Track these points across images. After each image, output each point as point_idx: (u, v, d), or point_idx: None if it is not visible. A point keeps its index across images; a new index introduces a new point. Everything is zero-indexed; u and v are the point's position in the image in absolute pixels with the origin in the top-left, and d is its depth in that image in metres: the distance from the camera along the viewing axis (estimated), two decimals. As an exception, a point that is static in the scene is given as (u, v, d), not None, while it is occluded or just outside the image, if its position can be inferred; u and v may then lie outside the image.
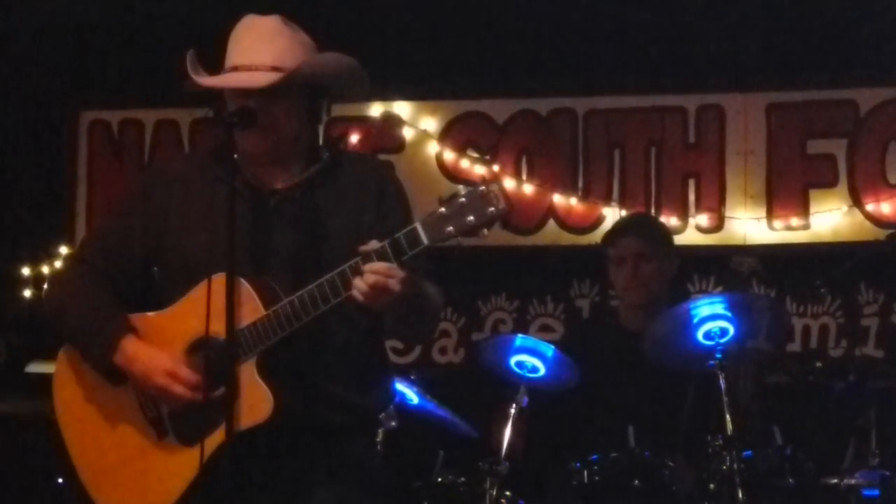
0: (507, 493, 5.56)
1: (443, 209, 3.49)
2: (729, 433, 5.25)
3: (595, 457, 5.41)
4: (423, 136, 7.44)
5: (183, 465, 3.78)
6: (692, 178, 7.21)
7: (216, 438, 3.67)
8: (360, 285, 3.55)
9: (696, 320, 5.39)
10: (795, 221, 7.04)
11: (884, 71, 7.00)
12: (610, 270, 6.08)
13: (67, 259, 4.27)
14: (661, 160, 7.25)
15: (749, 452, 5.33)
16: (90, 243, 4.15)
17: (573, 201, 7.28)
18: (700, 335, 5.40)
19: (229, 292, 3.58)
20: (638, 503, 5.34)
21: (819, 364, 6.21)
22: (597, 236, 7.14)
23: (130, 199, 4.08)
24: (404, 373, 6.17)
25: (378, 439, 5.47)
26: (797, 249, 7.02)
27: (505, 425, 5.59)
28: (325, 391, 3.80)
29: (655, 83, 7.26)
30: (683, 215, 7.14)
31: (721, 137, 7.19)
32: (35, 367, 6.62)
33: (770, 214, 7.08)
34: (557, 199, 7.29)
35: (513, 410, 5.62)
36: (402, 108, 7.46)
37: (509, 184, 7.14)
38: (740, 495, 5.16)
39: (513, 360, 5.69)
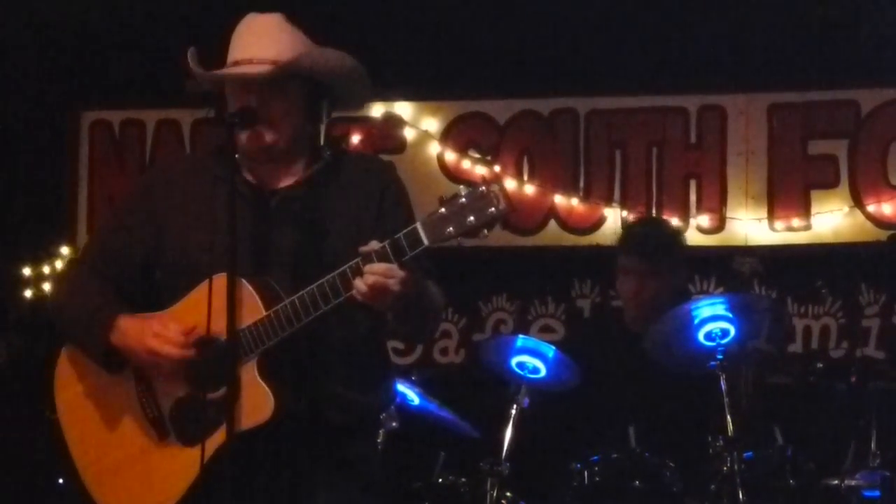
0: (508, 493, 5.57)
1: (443, 209, 3.49)
2: (730, 434, 5.25)
3: (596, 457, 5.42)
4: (425, 136, 7.44)
5: (184, 466, 3.77)
6: (693, 178, 7.21)
7: (217, 439, 3.66)
8: (359, 286, 3.55)
9: (697, 321, 5.40)
10: (797, 222, 7.04)
11: (885, 71, 6.99)
12: (617, 275, 6.07)
13: (70, 262, 4.28)
14: (663, 161, 7.25)
15: (750, 453, 5.34)
16: (92, 246, 4.15)
17: (574, 202, 7.28)
18: (701, 336, 5.40)
19: (230, 292, 3.57)
20: (638, 504, 5.36)
21: (820, 365, 6.21)
22: (598, 237, 7.15)
23: (131, 200, 4.09)
24: (405, 373, 6.18)
25: (379, 440, 5.47)
26: (798, 250, 7.02)
27: (506, 426, 5.59)
28: (327, 391, 3.80)
29: (657, 83, 7.26)
30: (684, 216, 7.14)
31: (722, 138, 7.19)
32: None
33: (771, 215, 7.08)
34: (559, 199, 7.29)
35: (514, 411, 5.62)
36: (403, 109, 7.46)
37: (510, 184, 7.13)
38: (741, 496, 5.17)
39: (514, 361, 5.70)
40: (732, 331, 5.39)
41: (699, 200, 7.18)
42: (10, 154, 7.82)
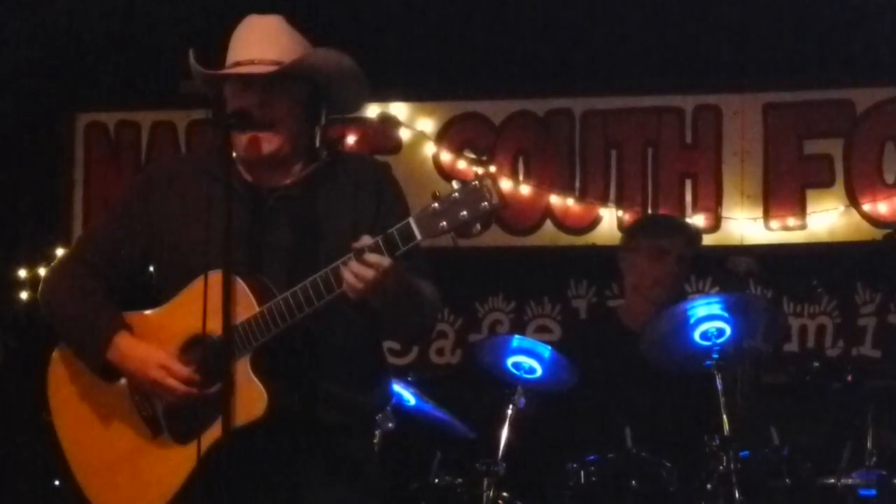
0: (505, 494, 5.56)
1: (436, 205, 3.49)
2: (726, 433, 5.26)
3: (592, 457, 5.42)
4: (420, 136, 7.44)
5: (177, 463, 3.78)
6: (689, 178, 7.21)
7: (211, 436, 3.67)
8: (348, 277, 3.55)
9: (692, 320, 5.41)
10: (792, 221, 7.04)
11: (880, 71, 7.00)
12: (634, 262, 6.06)
13: (64, 256, 4.27)
14: (658, 160, 7.25)
15: (746, 452, 5.35)
16: (87, 241, 4.15)
17: (570, 202, 7.28)
18: (697, 335, 5.41)
19: (225, 289, 3.58)
20: (635, 504, 5.35)
21: (816, 364, 6.21)
22: (594, 237, 7.15)
23: (128, 198, 4.09)
24: (401, 374, 6.17)
25: (375, 440, 5.46)
26: (794, 249, 7.02)
27: (502, 426, 5.59)
28: (323, 390, 3.81)
29: (652, 83, 7.26)
30: (680, 215, 7.13)
31: (718, 137, 7.19)
32: None
33: (767, 214, 7.08)
34: (554, 199, 7.29)
35: (510, 411, 5.62)
36: (398, 109, 7.46)
37: (506, 185, 7.13)
38: (737, 495, 5.17)
39: (510, 361, 5.70)
40: (728, 330, 5.40)
41: (695, 200, 7.18)
42: (6, 156, 7.81)
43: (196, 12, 7.24)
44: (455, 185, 3.50)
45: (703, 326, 5.40)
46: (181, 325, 3.81)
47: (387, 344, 4.15)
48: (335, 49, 3.92)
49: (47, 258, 7.52)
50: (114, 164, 7.80)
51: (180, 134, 7.72)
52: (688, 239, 6.13)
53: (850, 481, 5.47)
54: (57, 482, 6.18)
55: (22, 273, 7.67)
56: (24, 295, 7.64)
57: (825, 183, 7.04)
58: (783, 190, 7.08)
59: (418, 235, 3.52)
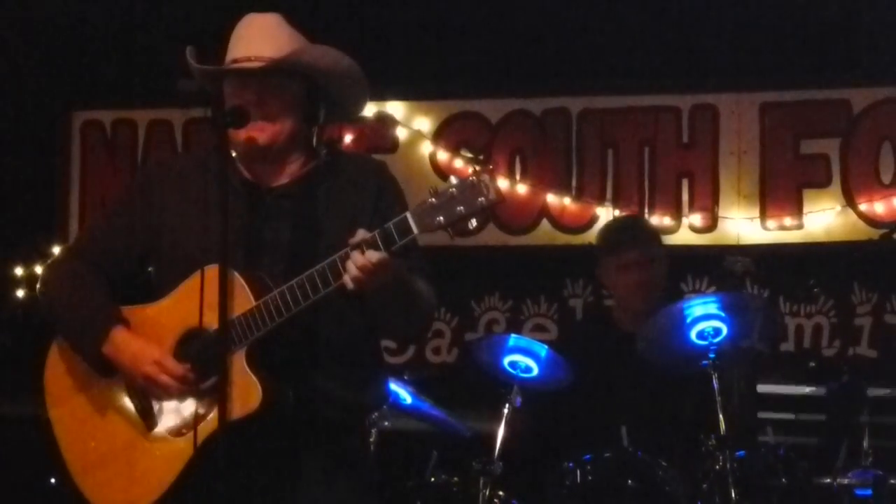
0: (501, 493, 5.55)
1: (433, 199, 3.50)
2: (722, 433, 5.25)
3: (588, 457, 5.41)
4: (417, 136, 7.44)
5: (172, 457, 3.79)
6: (686, 177, 7.21)
7: (205, 429, 3.68)
8: (350, 268, 3.56)
9: (689, 320, 5.40)
10: (789, 221, 7.05)
11: (877, 71, 7.01)
12: (606, 274, 6.07)
13: (63, 251, 4.28)
14: (655, 160, 7.25)
15: (742, 452, 5.34)
16: (86, 237, 4.18)
17: (567, 201, 7.28)
18: (693, 335, 5.40)
19: (222, 283, 3.58)
20: (631, 503, 5.34)
21: (812, 364, 6.20)
22: (591, 236, 7.14)
23: (127, 194, 4.12)
24: (398, 372, 6.17)
25: (371, 439, 5.47)
26: (791, 249, 7.02)
27: (498, 425, 5.59)
28: (319, 387, 3.81)
29: (649, 83, 7.27)
30: (677, 215, 7.15)
31: (715, 137, 7.20)
32: None
33: (763, 214, 7.09)
34: (551, 198, 7.29)
35: (506, 410, 5.61)
36: (395, 108, 7.46)
37: (503, 184, 7.12)
38: (733, 495, 5.17)
39: (506, 360, 5.69)
40: (725, 330, 5.39)
41: (691, 199, 7.19)
42: (2, 154, 7.81)
43: (193, 10, 7.24)
44: (452, 180, 3.51)
45: (700, 326, 5.39)
46: (178, 319, 3.82)
47: (383, 343, 4.15)
48: (333, 48, 3.93)
49: (43, 256, 7.52)
50: (110, 162, 7.80)
51: (177, 132, 7.73)
52: (644, 244, 6.01)
53: (846, 481, 5.47)
54: (53, 480, 6.19)
55: (18, 271, 7.67)
56: (20, 293, 7.64)
57: (822, 182, 7.04)
58: (780, 189, 7.09)
59: (415, 230, 3.52)
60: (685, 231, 7.14)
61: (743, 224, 7.10)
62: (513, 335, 5.92)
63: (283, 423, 3.76)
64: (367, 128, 7.43)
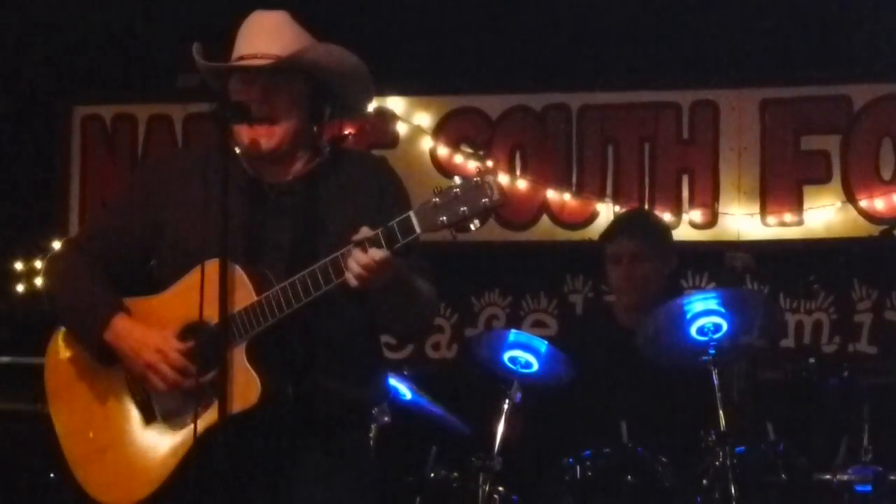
0: (500, 488, 5.56)
1: (437, 199, 3.50)
2: (722, 429, 5.25)
3: (588, 452, 5.41)
4: (417, 131, 7.44)
5: (170, 450, 3.80)
6: (686, 173, 7.21)
7: (205, 422, 3.67)
8: (352, 266, 3.56)
9: (689, 316, 5.40)
10: (789, 217, 7.05)
11: (877, 67, 7.00)
12: (606, 267, 6.08)
13: (65, 244, 4.28)
14: (655, 156, 7.25)
15: (742, 448, 5.33)
16: (88, 231, 4.19)
17: (567, 197, 7.28)
18: (693, 331, 5.40)
19: (222, 277, 3.59)
20: (631, 499, 5.34)
21: (812, 360, 6.20)
22: (590, 232, 7.14)
23: (129, 189, 4.13)
24: (397, 368, 6.18)
25: (371, 434, 5.46)
26: (791, 245, 7.02)
27: (498, 421, 5.59)
28: (318, 383, 3.81)
29: (649, 79, 7.27)
30: (677, 211, 7.15)
31: (715, 133, 7.19)
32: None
33: (764, 210, 7.09)
34: (551, 194, 7.29)
35: (506, 406, 5.61)
36: (395, 104, 7.46)
37: (503, 179, 7.13)
38: (733, 491, 5.17)
39: (506, 356, 5.69)
40: (725, 326, 5.39)
41: (691, 195, 7.18)
42: (2, 148, 7.80)
43: (194, 6, 7.23)
44: (456, 180, 3.50)
45: (700, 322, 5.39)
46: (179, 312, 3.82)
47: (383, 339, 4.15)
48: (339, 46, 3.92)
49: (43, 251, 7.51)
50: (110, 157, 7.80)
51: (177, 127, 7.72)
52: (635, 235, 6.02)
53: (845, 477, 5.46)
54: (53, 475, 6.18)
55: (18, 265, 7.67)
56: (20, 287, 7.64)
57: (822, 179, 7.04)
58: (780, 186, 7.09)
59: (418, 229, 3.52)
60: (685, 227, 7.14)
61: (743, 220, 7.10)
62: (513, 331, 5.92)
63: (282, 419, 3.76)
64: (367, 123, 7.42)
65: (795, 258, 6.97)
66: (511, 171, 7.30)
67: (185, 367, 3.77)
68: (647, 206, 7.15)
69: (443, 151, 7.39)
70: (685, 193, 7.19)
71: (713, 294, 5.52)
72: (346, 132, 7.34)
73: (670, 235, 6.28)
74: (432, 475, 5.81)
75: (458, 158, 7.32)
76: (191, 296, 3.69)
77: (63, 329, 4.05)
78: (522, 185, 7.29)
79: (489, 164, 7.22)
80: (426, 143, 7.42)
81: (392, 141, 7.45)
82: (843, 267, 6.75)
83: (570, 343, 5.85)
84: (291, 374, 3.77)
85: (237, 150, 3.91)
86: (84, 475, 3.95)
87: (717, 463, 5.24)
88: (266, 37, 3.87)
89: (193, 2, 7.27)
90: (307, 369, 3.80)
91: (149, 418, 3.88)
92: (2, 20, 7.65)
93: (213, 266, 3.64)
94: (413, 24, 7.40)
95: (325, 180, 3.93)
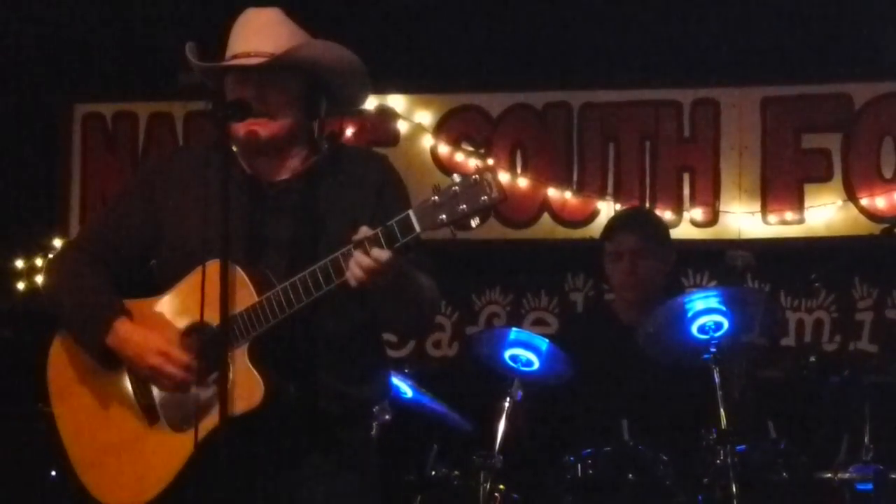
0: (501, 486, 5.55)
1: (436, 197, 3.49)
2: (723, 427, 5.25)
3: (589, 450, 5.41)
4: (418, 129, 7.43)
5: (174, 452, 3.79)
6: (687, 171, 7.21)
7: (208, 424, 3.67)
8: (353, 268, 3.55)
9: (690, 314, 5.40)
10: (790, 216, 7.05)
11: (878, 65, 7.00)
12: (606, 265, 6.09)
13: (65, 246, 4.28)
14: (656, 154, 7.25)
15: (743, 446, 5.33)
16: (88, 232, 4.18)
17: (568, 195, 7.28)
18: (694, 329, 5.40)
19: (223, 278, 3.58)
20: (631, 497, 5.34)
21: (813, 358, 6.19)
22: (591, 230, 7.14)
23: (129, 190, 4.12)
24: (398, 366, 6.17)
25: (372, 432, 5.46)
26: (792, 244, 7.02)
27: (499, 419, 5.59)
28: (320, 382, 3.81)
29: (650, 77, 7.26)
30: (678, 209, 7.15)
31: (716, 131, 7.19)
32: None
33: (764, 209, 7.09)
34: (552, 192, 7.29)
35: (507, 404, 5.61)
36: (396, 101, 7.45)
37: (504, 177, 7.11)
38: (734, 489, 5.16)
39: (507, 354, 5.69)
40: (726, 324, 5.39)
41: (692, 194, 7.18)
42: (3, 146, 7.80)
43: (194, 3, 7.22)
44: (455, 178, 3.50)
45: (701, 320, 5.39)
46: (180, 313, 3.83)
47: (384, 336, 4.15)
48: (333, 42, 3.92)
49: (44, 248, 7.53)
50: (111, 154, 7.79)
51: (178, 125, 7.72)
52: (636, 231, 6.04)
53: (846, 476, 5.45)
54: (54, 473, 6.18)
55: (19, 263, 7.66)
56: (20, 285, 7.64)
57: (823, 177, 7.04)
58: (781, 184, 7.09)
59: (417, 228, 3.52)
60: (686, 225, 7.14)
61: (744, 218, 7.10)
62: (514, 329, 5.92)
63: (285, 419, 3.76)
64: (367, 121, 7.43)
65: (796, 257, 6.97)
66: (512, 169, 7.30)
67: (189, 366, 3.77)
68: (647, 205, 7.15)
69: (443, 149, 7.38)
70: (686, 192, 7.19)
71: (714, 292, 5.52)
72: (347, 130, 7.35)
73: (669, 234, 6.29)
74: (433, 473, 5.81)
75: (459, 156, 7.32)
76: (192, 297, 3.69)
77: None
78: (523, 183, 7.29)
79: (490, 162, 7.19)
80: (427, 141, 7.42)
81: (393, 139, 7.44)
82: (844, 265, 6.76)
83: (570, 341, 5.84)
84: (294, 374, 3.77)
85: (234, 149, 3.90)
86: (88, 477, 3.95)
87: (717, 461, 5.24)
88: (259, 34, 3.87)
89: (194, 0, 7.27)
90: (309, 368, 3.80)
91: (152, 420, 3.88)
92: (2, 18, 7.65)
93: (213, 267, 3.63)
94: (414, 23, 7.39)
95: (324, 178, 3.92)
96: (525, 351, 5.66)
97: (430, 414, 6.08)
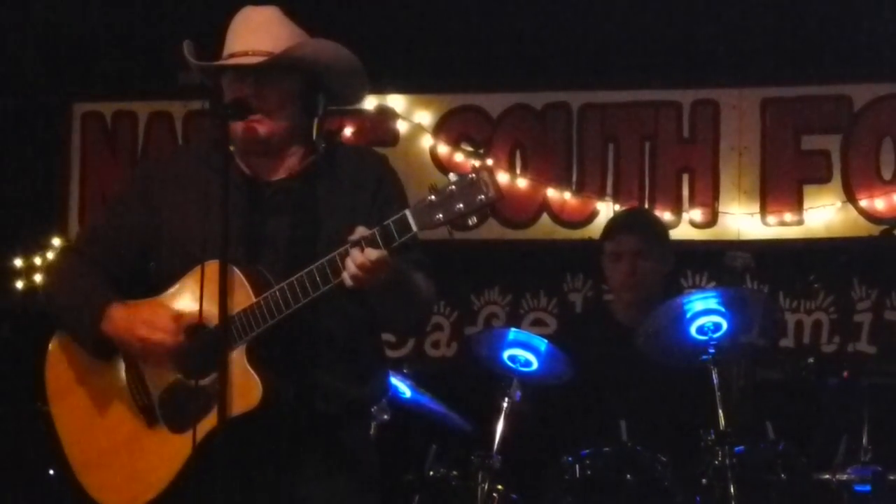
0: (500, 486, 5.55)
1: (432, 197, 3.49)
2: (721, 428, 5.25)
3: (587, 451, 5.41)
4: (417, 129, 7.43)
5: (172, 453, 3.78)
6: (686, 172, 7.21)
7: (206, 425, 3.67)
8: (349, 266, 3.55)
9: (689, 315, 5.40)
10: (789, 217, 7.05)
11: (878, 67, 7.00)
12: (605, 266, 6.09)
13: (63, 249, 4.28)
14: (656, 155, 7.25)
15: (741, 447, 5.33)
16: (86, 234, 4.18)
17: (567, 195, 7.28)
18: (693, 330, 5.40)
19: (222, 279, 3.58)
20: (630, 497, 5.34)
21: (812, 360, 6.20)
22: (591, 231, 7.14)
23: (126, 191, 4.11)
24: (397, 366, 6.17)
25: (370, 432, 5.45)
26: (791, 245, 7.02)
27: (497, 419, 5.59)
28: (320, 382, 3.81)
29: (650, 78, 7.26)
30: (677, 210, 7.14)
31: (715, 132, 7.19)
32: None
33: (764, 210, 7.08)
34: (551, 193, 7.29)
35: (505, 404, 5.61)
36: (396, 102, 7.45)
37: (503, 178, 7.13)
38: (732, 490, 5.16)
39: (506, 354, 5.69)
40: (725, 325, 5.39)
41: (692, 195, 7.18)
42: (2, 145, 7.80)
43: (194, 2, 7.22)
44: (452, 177, 3.50)
45: (700, 321, 5.39)
46: (178, 314, 3.80)
47: (383, 336, 4.15)
48: (330, 40, 3.92)
49: (43, 248, 7.53)
50: (110, 154, 7.79)
51: (177, 124, 7.72)
52: (637, 232, 6.06)
53: (845, 477, 5.46)
54: (52, 471, 6.18)
55: (17, 262, 7.66)
56: (19, 284, 7.64)
57: (822, 178, 7.04)
58: (780, 185, 7.09)
59: (414, 227, 3.52)
60: (685, 226, 7.13)
61: (743, 220, 7.10)
62: (513, 329, 5.93)
63: (284, 419, 3.76)
64: (367, 121, 7.43)
65: (795, 258, 6.97)
66: (511, 169, 7.30)
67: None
68: (647, 206, 7.15)
69: (443, 149, 7.38)
70: (685, 192, 7.19)
71: (713, 293, 5.52)
72: (347, 130, 7.34)
73: (668, 235, 6.30)
74: (431, 473, 5.81)
75: (459, 157, 7.32)
76: (189, 298, 3.70)
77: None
78: (522, 183, 7.29)
79: (489, 162, 7.22)
80: (426, 141, 7.42)
81: (392, 139, 7.44)
82: (843, 267, 6.76)
83: (569, 342, 5.84)
84: (292, 374, 3.77)
85: (231, 148, 3.90)
86: (86, 477, 3.95)
87: (716, 462, 5.24)
88: (257, 33, 3.87)
89: (194, -1, 7.28)
90: (308, 368, 3.80)
91: (151, 421, 3.88)
92: (2, 17, 7.64)
93: (212, 267, 3.63)
94: (414, 22, 7.39)
95: (322, 177, 3.92)
96: (524, 351, 5.66)
97: (428, 414, 6.08)
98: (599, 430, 5.59)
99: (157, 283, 3.96)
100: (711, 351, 5.34)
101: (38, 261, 7.55)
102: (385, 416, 5.65)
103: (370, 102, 7.36)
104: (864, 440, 5.55)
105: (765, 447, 5.47)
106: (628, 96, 7.32)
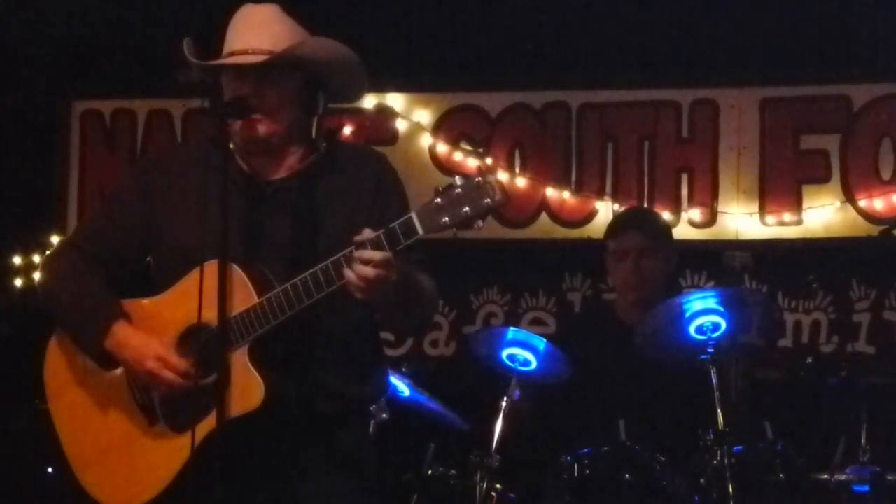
0: (498, 486, 5.55)
1: (438, 199, 3.48)
2: (720, 428, 5.25)
3: (586, 450, 5.41)
4: (417, 128, 7.43)
5: (173, 453, 3.78)
6: (685, 172, 7.21)
7: (207, 426, 3.67)
8: (350, 274, 3.54)
9: (688, 315, 5.40)
10: (788, 217, 7.05)
11: (877, 67, 7.01)
12: (609, 264, 6.08)
13: (61, 244, 4.26)
14: (655, 154, 7.25)
15: (740, 447, 5.33)
16: (84, 230, 4.16)
17: (566, 195, 7.28)
18: (692, 329, 5.40)
19: (221, 279, 3.57)
20: (628, 497, 5.34)
21: (810, 360, 6.20)
22: (589, 230, 7.14)
23: (126, 188, 4.09)
24: (396, 365, 6.17)
25: (369, 431, 5.45)
26: (790, 245, 7.02)
27: (496, 418, 5.59)
28: (320, 381, 3.80)
29: (649, 77, 7.26)
30: (676, 210, 7.14)
31: (714, 132, 7.19)
32: None
33: (763, 209, 7.08)
34: (550, 192, 7.28)
35: (504, 404, 5.61)
36: (395, 100, 7.45)
37: (502, 177, 7.12)
38: (731, 490, 5.16)
39: (504, 353, 5.69)
40: (723, 325, 5.39)
41: (691, 194, 7.18)
42: (1, 143, 7.80)
43: (194, 1, 7.22)
44: (458, 180, 3.49)
45: (699, 321, 5.39)
46: (179, 314, 3.81)
47: (382, 335, 4.15)
48: (330, 38, 3.91)
49: (42, 245, 7.52)
50: (109, 151, 7.79)
51: (176, 122, 7.71)
52: (642, 230, 6.04)
53: (843, 477, 5.46)
54: (50, 469, 6.18)
55: (17, 260, 7.66)
56: (18, 282, 7.63)
57: (821, 178, 7.04)
58: (779, 185, 7.09)
59: (420, 230, 3.51)
60: (684, 226, 7.13)
61: (742, 219, 7.10)
62: (511, 328, 5.92)
63: (284, 419, 3.75)
64: (366, 120, 7.43)
65: (794, 258, 6.97)
66: (510, 168, 7.30)
67: (186, 372, 3.75)
68: (646, 205, 7.15)
69: (442, 148, 7.38)
70: (684, 192, 7.19)
71: (712, 293, 5.52)
72: (346, 128, 7.34)
73: (672, 235, 6.29)
74: (430, 472, 5.80)
75: (458, 156, 7.32)
76: (190, 298, 3.67)
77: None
78: (521, 182, 7.29)
79: (489, 161, 7.22)
80: (425, 140, 7.41)
81: (391, 138, 7.44)
82: (842, 266, 6.76)
83: (568, 341, 5.84)
84: (293, 374, 3.76)
85: (231, 147, 3.89)
86: (86, 477, 3.94)
87: (714, 462, 5.24)
88: (257, 32, 3.86)
89: (193, -3, 7.28)
90: (308, 368, 3.79)
91: (152, 421, 3.87)
92: (1, 16, 7.64)
93: (212, 267, 3.61)
94: (413, 21, 7.39)
95: (322, 175, 3.91)
96: (523, 350, 5.66)
97: (427, 413, 6.08)
98: (598, 429, 5.59)
99: (156, 280, 3.96)
100: (710, 351, 5.34)
101: (36, 259, 7.54)
102: (384, 415, 5.65)
103: (369, 101, 7.37)
104: (863, 440, 5.55)
105: (763, 447, 5.47)
106: (627, 96, 7.32)
